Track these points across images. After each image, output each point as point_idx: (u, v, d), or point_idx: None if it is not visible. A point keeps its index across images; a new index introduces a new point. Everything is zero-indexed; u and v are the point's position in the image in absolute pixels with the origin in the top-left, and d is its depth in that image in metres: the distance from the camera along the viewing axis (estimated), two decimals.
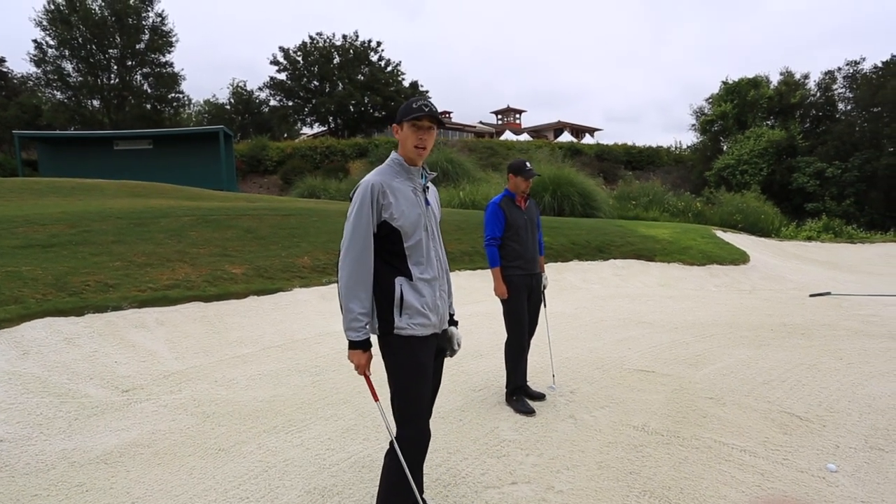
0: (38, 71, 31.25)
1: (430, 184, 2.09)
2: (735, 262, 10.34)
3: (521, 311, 3.63)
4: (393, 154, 2.00)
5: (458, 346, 2.16)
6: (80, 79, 31.48)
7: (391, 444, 1.92)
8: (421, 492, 2.20)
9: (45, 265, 5.57)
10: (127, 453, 2.92)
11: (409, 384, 1.92)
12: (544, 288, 3.89)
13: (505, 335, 3.71)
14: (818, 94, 30.59)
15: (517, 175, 3.59)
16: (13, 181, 14.02)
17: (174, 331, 4.93)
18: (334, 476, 2.66)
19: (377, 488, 2.03)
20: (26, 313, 4.47)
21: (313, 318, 5.82)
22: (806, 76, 31.19)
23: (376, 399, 1.95)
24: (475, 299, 7.18)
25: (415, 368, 1.92)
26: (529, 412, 3.47)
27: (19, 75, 33.17)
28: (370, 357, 1.93)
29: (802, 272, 10.92)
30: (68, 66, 31.35)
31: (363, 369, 1.91)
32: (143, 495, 2.50)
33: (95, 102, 32.52)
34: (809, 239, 17.90)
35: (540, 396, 3.72)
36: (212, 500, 2.45)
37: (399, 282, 1.91)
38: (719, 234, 12.99)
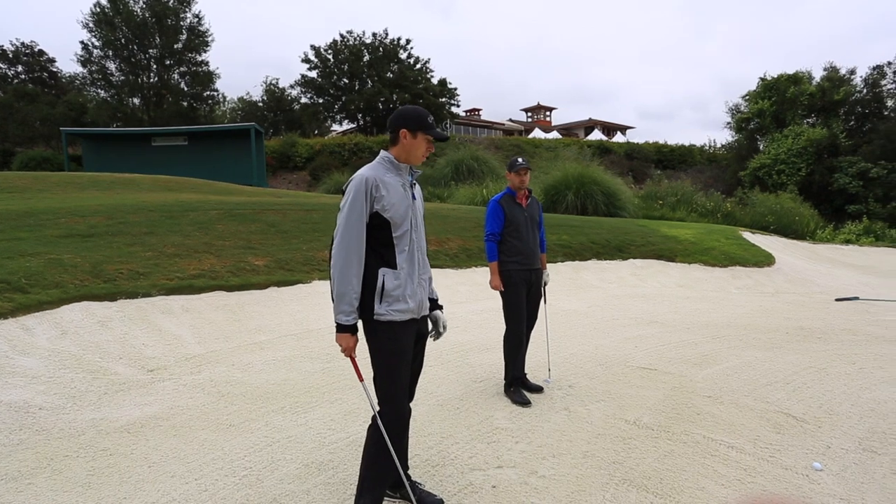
0: (84, 71, 32.93)
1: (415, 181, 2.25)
2: (759, 264, 10.10)
3: (520, 305, 3.74)
4: (383, 152, 2.16)
5: (444, 328, 2.31)
6: (122, 78, 32.98)
7: (373, 419, 2.09)
8: (405, 467, 2.36)
9: (83, 253, 5.99)
10: (148, 425, 3.19)
11: (389, 366, 2.07)
12: (545, 284, 3.99)
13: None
14: (865, 91, 29.16)
15: (511, 171, 3.72)
16: (59, 175, 14.88)
17: (198, 317, 5.24)
18: (332, 453, 2.85)
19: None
20: (66, 297, 4.85)
21: (330, 309, 6.00)
22: (852, 71, 29.68)
23: (361, 379, 2.12)
24: (489, 295, 7.27)
25: (394, 351, 2.07)
26: (525, 403, 3.58)
27: (67, 75, 35.05)
28: (356, 341, 2.09)
29: (833, 276, 10.57)
30: (111, 66, 32.91)
31: (350, 352, 2.08)
32: (159, 461, 2.75)
33: (136, 100, 33.99)
34: (847, 242, 17.21)
35: (537, 389, 3.82)
36: (219, 468, 2.68)
37: (382, 271, 2.07)
38: (747, 235, 12.67)
